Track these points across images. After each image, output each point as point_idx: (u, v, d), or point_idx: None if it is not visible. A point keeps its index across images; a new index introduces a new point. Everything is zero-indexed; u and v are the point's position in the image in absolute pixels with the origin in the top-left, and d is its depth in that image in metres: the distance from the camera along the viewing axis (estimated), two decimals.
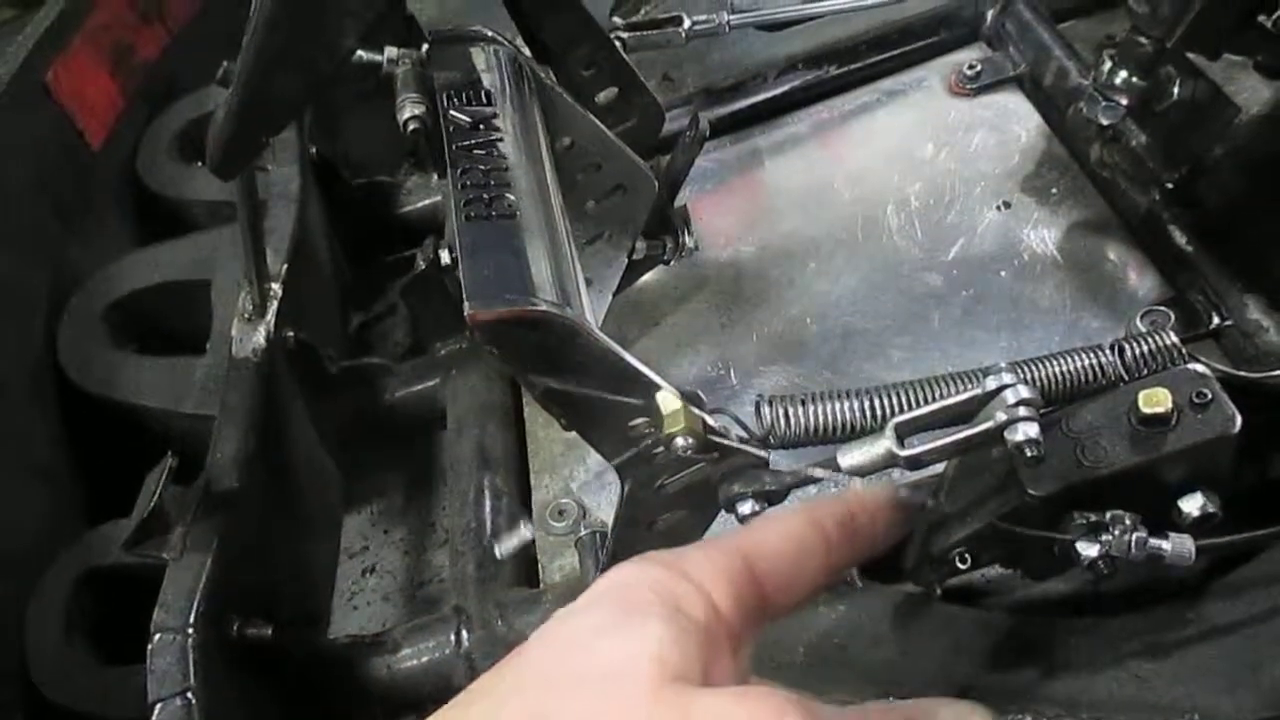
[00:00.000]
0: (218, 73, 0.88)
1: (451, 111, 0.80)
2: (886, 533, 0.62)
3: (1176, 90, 1.01)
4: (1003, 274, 1.13)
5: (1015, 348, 1.06)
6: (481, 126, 0.79)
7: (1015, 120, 1.28)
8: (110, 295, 1.17)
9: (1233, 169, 1.06)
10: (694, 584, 0.46)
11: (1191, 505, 0.70)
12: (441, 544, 1.29)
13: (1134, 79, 1.00)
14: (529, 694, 0.42)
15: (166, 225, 1.29)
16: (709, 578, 0.47)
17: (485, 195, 0.71)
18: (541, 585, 1.02)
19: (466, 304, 0.62)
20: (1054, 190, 1.19)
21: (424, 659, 0.97)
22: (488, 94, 0.83)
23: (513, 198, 0.72)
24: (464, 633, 0.97)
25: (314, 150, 1.36)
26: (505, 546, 0.73)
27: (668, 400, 0.67)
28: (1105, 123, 1.03)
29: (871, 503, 0.60)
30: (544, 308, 0.63)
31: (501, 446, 1.16)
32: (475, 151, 0.76)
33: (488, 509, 1.10)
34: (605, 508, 1.03)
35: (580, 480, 1.09)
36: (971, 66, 1.32)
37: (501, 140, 0.78)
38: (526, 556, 1.04)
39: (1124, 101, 1.02)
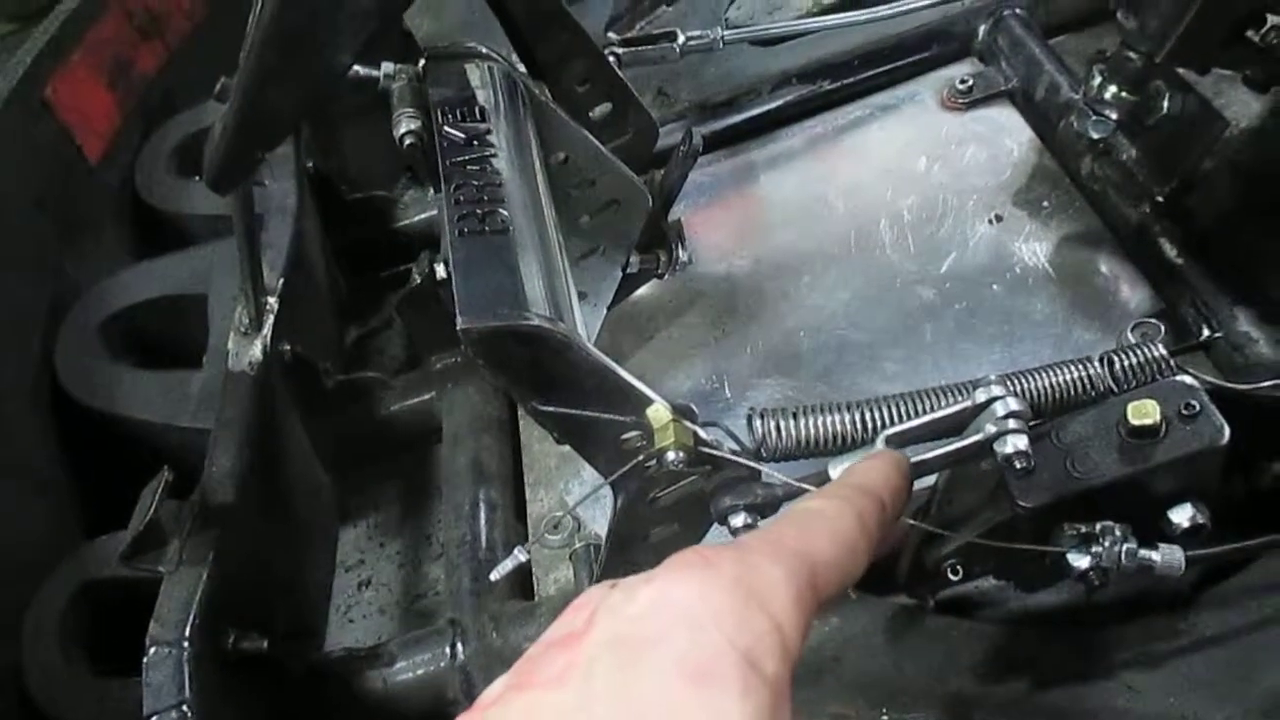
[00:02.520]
0: (215, 88, 0.89)
1: (446, 128, 0.80)
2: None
3: (1166, 104, 1.02)
4: (995, 287, 1.14)
5: (1008, 360, 1.06)
6: (475, 142, 0.79)
7: (1007, 134, 1.29)
8: (107, 309, 1.18)
9: (1223, 182, 1.06)
10: (770, 620, 0.41)
11: (1181, 516, 0.70)
12: (437, 557, 1.29)
13: (1124, 93, 1.01)
14: None
15: (164, 239, 1.29)
16: (783, 607, 0.42)
17: (479, 210, 0.72)
18: (536, 598, 1.02)
19: (459, 318, 0.63)
20: (1045, 204, 1.20)
21: (419, 672, 0.98)
22: (482, 110, 0.84)
23: (506, 213, 0.72)
24: (459, 645, 0.98)
25: (311, 165, 1.36)
26: (498, 571, 0.73)
27: (659, 414, 0.68)
28: (1095, 137, 1.04)
29: (900, 492, 0.57)
30: (536, 322, 0.64)
31: (497, 460, 1.17)
32: (469, 167, 0.77)
33: (483, 522, 1.11)
34: (600, 521, 1.03)
35: (575, 494, 1.10)
36: (963, 81, 1.32)
37: (495, 156, 0.79)
38: (521, 570, 1.05)
39: (1114, 116, 1.03)
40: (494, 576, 0.75)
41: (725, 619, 0.40)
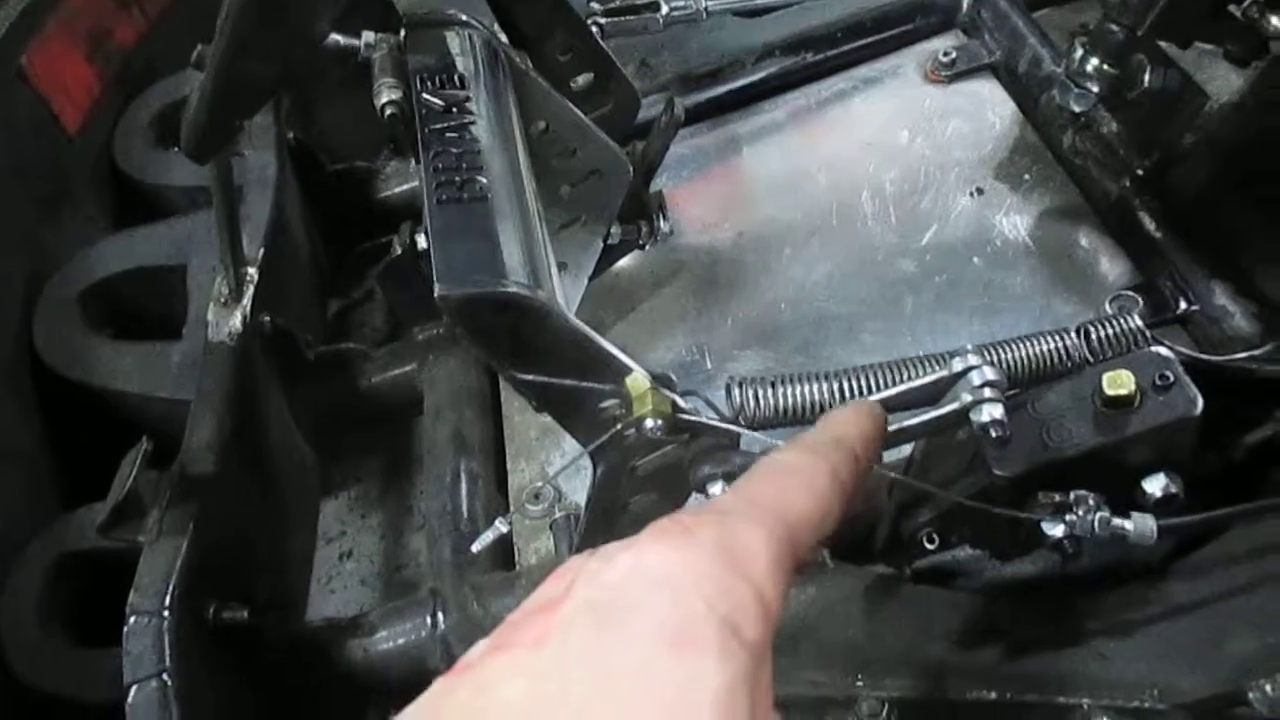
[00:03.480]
0: (192, 56, 0.88)
1: (425, 95, 0.80)
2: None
3: (1148, 78, 1.03)
4: (975, 260, 1.14)
5: (987, 333, 1.07)
6: (454, 110, 0.79)
7: (990, 107, 1.29)
8: (86, 280, 1.17)
9: (1203, 157, 1.07)
10: (751, 585, 0.41)
11: (1154, 486, 0.71)
12: (418, 528, 1.29)
13: (1106, 67, 1.01)
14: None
15: (142, 210, 1.28)
16: (763, 571, 0.42)
17: (457, 178, 0.72)
18: (518, 568, 1.02)
19: (436, 285, 0.62)
20: (1027, 177, 1.20)
21: (400, 641, 0.98)
22: (461, 78, 0.83)
23: (485, 181, 0.72)
24: (440, 615, 0.98)
25: (291, 136, 1.35)
26: (480, 542, 0.73)
27: (638, 382, 0.68)
28: (1077, 110, 1.05)
29: (873, 443, 0.57)
30: (514, 289, 0.64)
31: (478, 431, 1.17)
32: (448, 135, 0.76)
33: (464, 493, 1.11)
34: (580, 491, 1.03)
35: (556, 465, 1.10)
36: (947, 54, 1.32)
37: (475, 124, 0.78)
38: (502, 540, 1.05)
39: (1096, 89, 1.03)
40: (476, 548, 0.75)
41: (705, 585, 0.40)
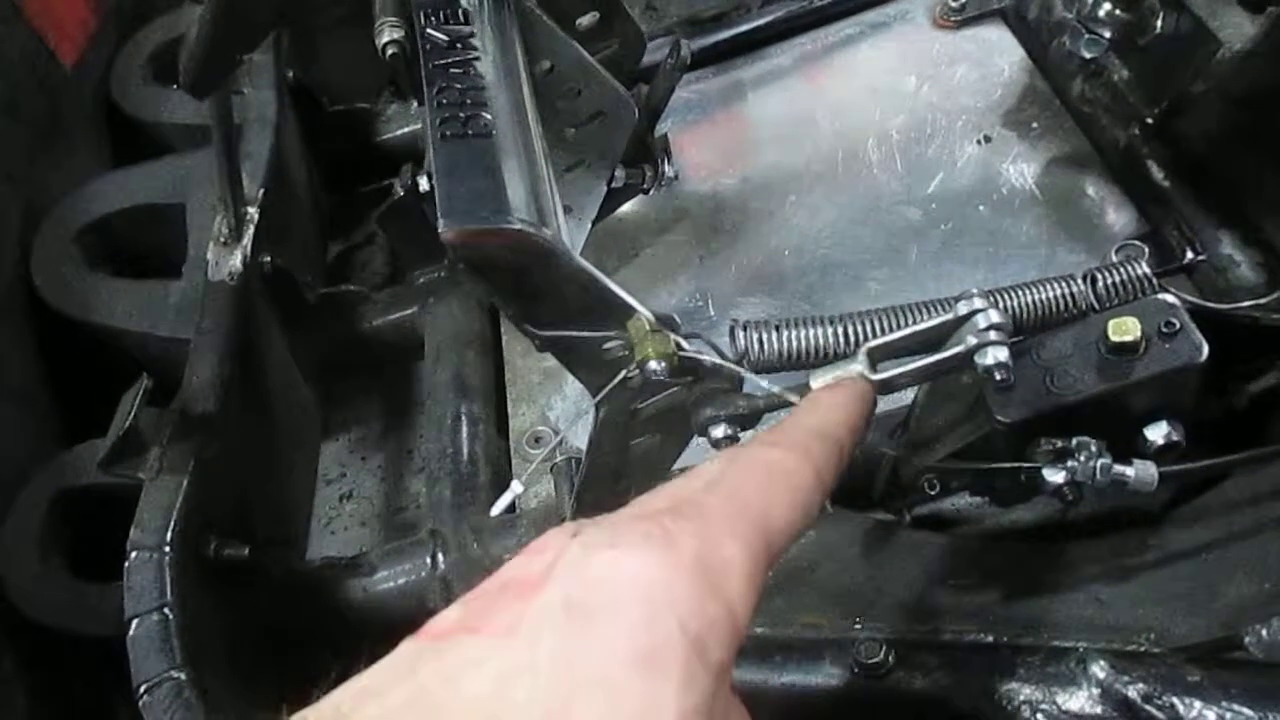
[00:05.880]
0: None
1: (428, 30, 0.78)
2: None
3: (1159, 23, 1.01)
4: (981, 208, 1.13)
5: (992, 281, 1.05)
6: (458, 45, 0.77)
7: (998, 54, 1.27)
8: (84, 218, 1.16)
9: (1212, 105, 1.05)
10: (724, 604, 0.41)
11: (1156, 433, 0.71)
12: (418, 471, 1.29)
13: (1117, 11, 1.00)
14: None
15: (140, 148, 1.27)
16: (738, 589, 0.42)
17: (461, 114, 0.70)
18: (517, 510, 1.03)
19: (440, 221, 0.62)
20: (1034, 125, 1.19)
21: (400, 581, 0.98)
22: (465, 13, 0.81)
23: (489, 117, 0.71)
24: (439, 556, 0.98)
25: (291, 75, 1.33)
26: (498, 505, 0.73)
27: (641, 324, 0.68)
28: (1088, 56, 1.03)
29: (860, 430, 0.57)
30: (519, 226, 0.63)
31: (479, 375, 1.16)
32: (452, 70, 0.75)
33: (464, 436, 1.11)
34: (582, 435, 1.03)
35: (557, 409, 1.10)
36: None
37: (479, 60, 0.77)
38: (502, 483, 1.05)
39: (1107, 35, 1.02)
40: (494, 512, 0.75)
41: (680, 602, 0.40)
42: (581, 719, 0.37)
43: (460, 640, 0.40)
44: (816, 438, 0.52)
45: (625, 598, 0.40)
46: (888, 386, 0.66)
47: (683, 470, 0.52)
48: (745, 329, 0.73)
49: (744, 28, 1.36)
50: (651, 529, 0.42)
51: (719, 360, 0.69)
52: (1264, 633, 0.67)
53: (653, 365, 0.67)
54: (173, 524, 0.84)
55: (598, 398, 0.72)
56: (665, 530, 0.42)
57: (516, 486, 0.74)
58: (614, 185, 1.07)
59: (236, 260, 1.04)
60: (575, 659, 0.38)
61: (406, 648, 0.41)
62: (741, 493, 0.47)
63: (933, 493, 0.81)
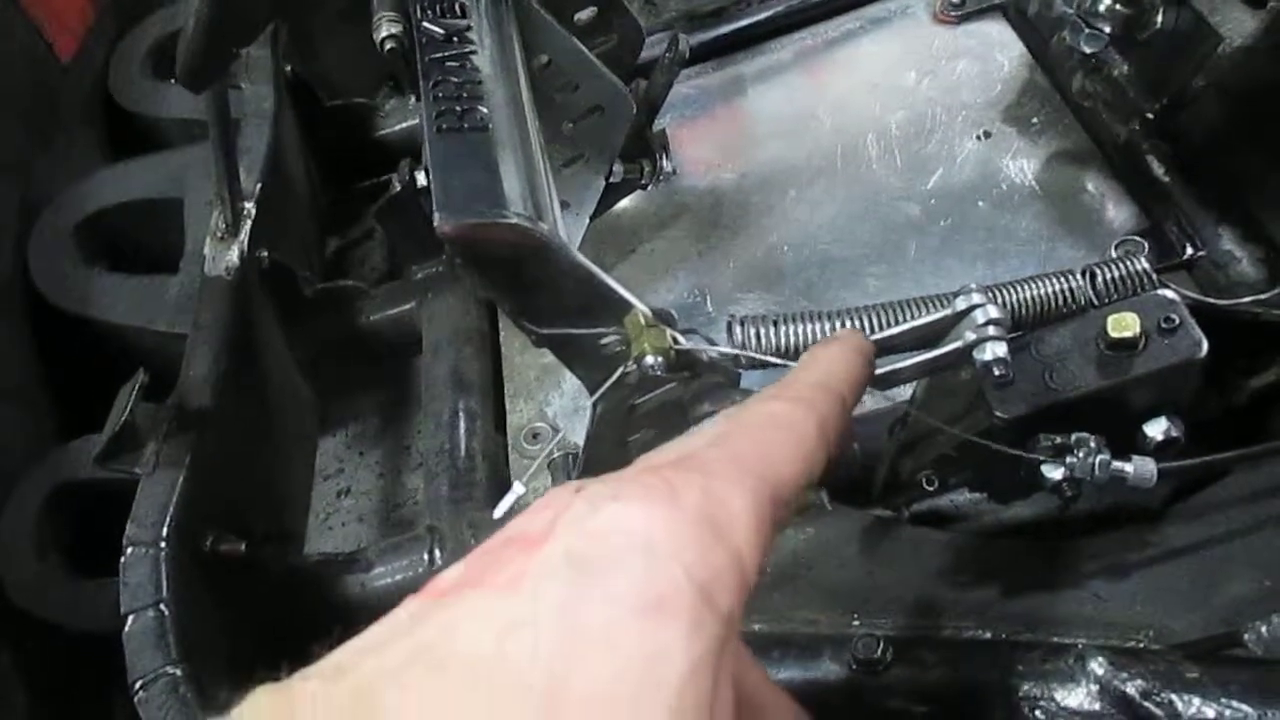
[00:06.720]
0: None
1: (425, 23, 0.78)
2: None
3: (1160, 18, 1.01)
4: (981, 204, 1.13)
5: (991, 277, 1.05)
6: (455, 39, 0.77)
7: (998, 49, 1.27)
8: (81, 212, 1.16)
9: (1213, 101, 1.05)
10: (731, 553, 0.40)
11: (1156, 429, 0.70)
12: (416, 467, 1.29)
13: (1118, 6, 1.00)
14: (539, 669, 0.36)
15: (138, 143, 1.27)
16: (745, 538, 0.41)
17: (458, 108, 0.70)
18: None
19: (436, 215, 0.61)
20: (1035, 120, 1.19)
21: (397, 577, 0.98)
22: (462, 7, 0.81)
23: (485, 111, 0.71)
24: (437, 552, 0.98)
25: (290, 70, 1.33)
26: (500, 508, 0.73)
27: (638, 319, 0.67)
28: (1088, 51, 1.03)
29: (861, 383, 0.56)
30: (515, 220, 0.63)
31: (477, 370, 1.16)
32: (448, 64, 0.75)
33: (462, 432, 1.10)
34: (579, 431, 1.03)
35: (555, 405, 1.10)
36: None
37: (475, 53, 0.77)
38: (500, 479, 1.05)
39: (1107, 30, 1.01)
40: (497, 514, 0.75)
41: (685, 552, 0.39)
42: (587, 669, 0.36)
43: (462, 595, 0.39)
44: (819, 390, 0.52)
45: (629, 548, 0.39)
46: (886, 382, 0.66)
47: None
48: (743, 324, 0.73)
49: (743, 22, 1.36)
50: (654, 481, 0.42)
51: (715, 355, 0.69)
52: (1263, 629, 0.67)
53: (650, 360, 0.67)
54: (169, 519, 0.84)
55: (595, 394, 0.72)
56: (668, 482, 0.42)
57: (519, 488, 0.74)
58: (612, 180, 1.07)
59: (234, 255, 1.04)
60: (579, 610, 0.37)
61: (408, 605, 0.40)
62: (745, 444, 0.46)
63: (931, 489, 0.81)
